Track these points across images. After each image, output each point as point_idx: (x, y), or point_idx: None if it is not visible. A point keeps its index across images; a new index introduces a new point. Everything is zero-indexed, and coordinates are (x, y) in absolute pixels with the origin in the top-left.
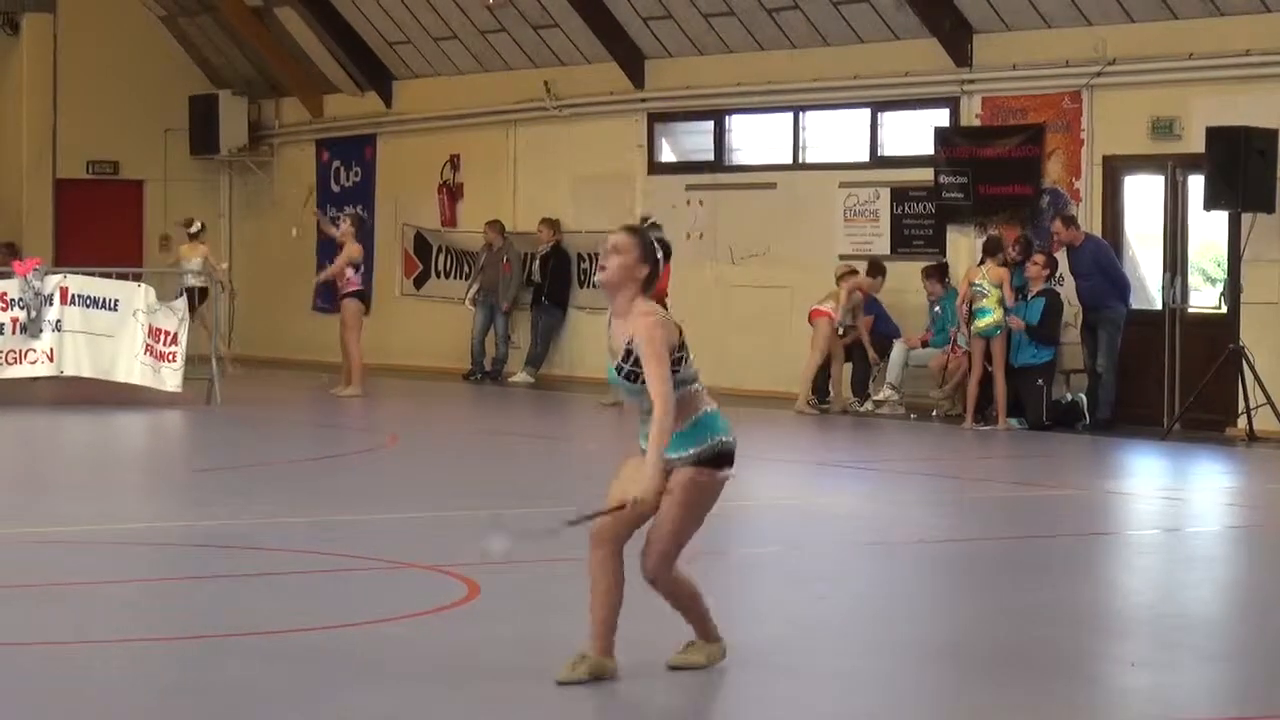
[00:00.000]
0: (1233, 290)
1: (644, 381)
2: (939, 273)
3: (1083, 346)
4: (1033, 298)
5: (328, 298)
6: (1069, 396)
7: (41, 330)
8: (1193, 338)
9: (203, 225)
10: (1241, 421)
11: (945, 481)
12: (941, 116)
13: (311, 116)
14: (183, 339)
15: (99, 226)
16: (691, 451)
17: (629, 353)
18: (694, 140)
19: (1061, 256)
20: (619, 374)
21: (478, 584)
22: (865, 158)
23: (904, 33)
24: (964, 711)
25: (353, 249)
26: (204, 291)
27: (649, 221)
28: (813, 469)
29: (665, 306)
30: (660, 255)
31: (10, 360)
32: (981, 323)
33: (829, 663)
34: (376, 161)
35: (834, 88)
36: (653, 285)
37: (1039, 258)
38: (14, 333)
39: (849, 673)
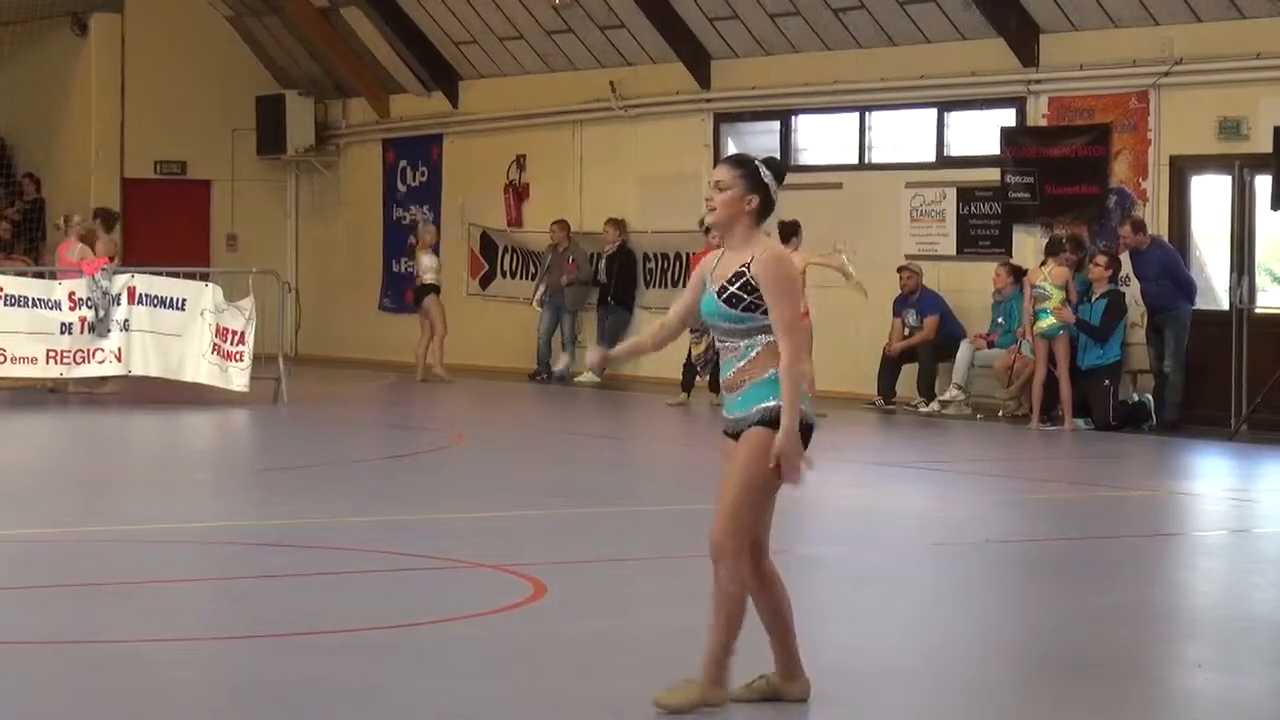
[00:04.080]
0: None
1: (747, 309)
2: (1015, 270)
3: (1149, 347)
4: (1097, 299)
5: (397, 298)
6: (1135, 397)
7: (109, 330)
8: (1260, 338)
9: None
10: None
11: (1011, 482)
12: (1008, 116)
13: (378, 117)
14: (250, 338)
15: (166, 226)
16: (771, 404)
17: (740, 275)
18: (760, 140)
19: (1125, 258)
20: (720, 295)
21: (544, 584)
22: (931, 158)
23: (970, 32)
24: (1029, 713)
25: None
26: (437, 289)
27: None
28: (878, 469)
29: None
30: (770, 180)
31: (79, 360)
32: (1043, 324)
33: (893, 663)
34: (443, 161)
35: (900, 88)
36: (767, 215)
37: (1101, 259)
38: (82, 332)
39: (913, 673)
